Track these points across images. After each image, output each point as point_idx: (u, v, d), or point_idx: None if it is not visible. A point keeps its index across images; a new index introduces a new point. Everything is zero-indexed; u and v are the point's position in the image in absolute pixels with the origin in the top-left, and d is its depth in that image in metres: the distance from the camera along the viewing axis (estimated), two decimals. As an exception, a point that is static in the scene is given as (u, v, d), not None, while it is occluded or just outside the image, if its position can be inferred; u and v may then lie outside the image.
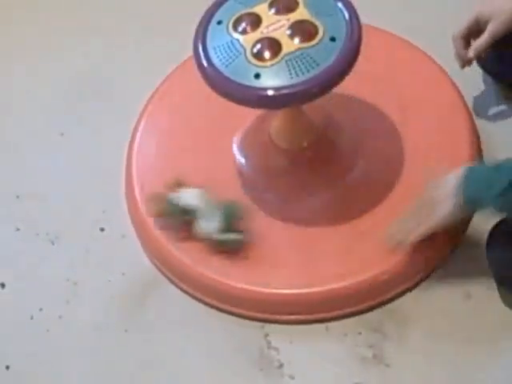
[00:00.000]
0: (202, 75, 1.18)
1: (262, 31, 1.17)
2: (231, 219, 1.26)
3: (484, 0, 1.29)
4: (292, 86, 1.13)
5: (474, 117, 1.39)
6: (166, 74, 1.49)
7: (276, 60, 1.14)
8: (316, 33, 1.15)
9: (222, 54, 1.16)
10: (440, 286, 1.27)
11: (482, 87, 1.44)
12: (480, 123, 1.39)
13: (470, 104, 1.40)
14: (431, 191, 1.19)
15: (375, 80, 1.39)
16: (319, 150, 1.34)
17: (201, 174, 1.37)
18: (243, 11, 1.19)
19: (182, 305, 1.31)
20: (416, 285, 1.27)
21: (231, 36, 1.17)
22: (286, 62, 1.13)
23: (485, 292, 1.26)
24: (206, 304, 1.30)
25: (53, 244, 1.39)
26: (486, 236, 1.26)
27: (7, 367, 1.28)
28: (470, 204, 1.15)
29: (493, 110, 1.41)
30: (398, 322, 1.25)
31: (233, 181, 1.36)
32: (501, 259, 1.21)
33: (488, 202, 1.13)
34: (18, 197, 1.45)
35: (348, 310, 1.26)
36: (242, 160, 1.38)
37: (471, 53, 1.30)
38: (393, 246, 1.23)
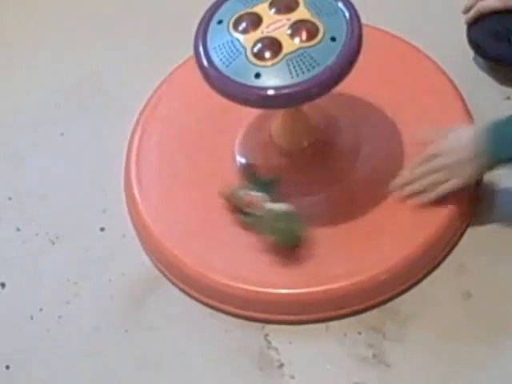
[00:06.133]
0: (203, 75, 1.18)
1: (263, 31, 1.17)
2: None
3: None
4: (292, 85, 1.13)
5: (474, 117, 1.39)
6: (166, 73, 1.49)
7: (276, 60, 1.14)
8: (316, 33, 1.15)
9: (222, 54, 1.16)
10: (440, 285, 1.27)
11: (482, 87, 1.45)
12: (480, 123, 1.39)
13: (470, 103, 1.40)
14: (442, 148, 1.23)
15: (375, 80, 1.40)
16: (319, 150, 1.34)
17: (201, 174, 1.37)
18: (243, 11, 1.19)
19: (182, 305, 1.31)
20: (416, 285, 1.27)
21: (231, 35, 1.17)
22: (287, 61, 1.14)
23: (485, 292, 1.26)
24: (206, 304, 1.30)
25: (53, 244, 1.39)
26: (486, 236, 1.27)
27: (7, 367, 1.28)
28: (497, 163, 1.20)
29: (492, 110, 1.41)
30: (398, 322, 1.25)
31: (233, 181, 1.36)
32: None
33: None
34: (17, 197, 1.45)
35: (348, 310, 1.26)
36: (242, 160, 1.38)
37: None
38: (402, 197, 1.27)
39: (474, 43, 1.43)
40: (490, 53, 1.43)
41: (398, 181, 1.28)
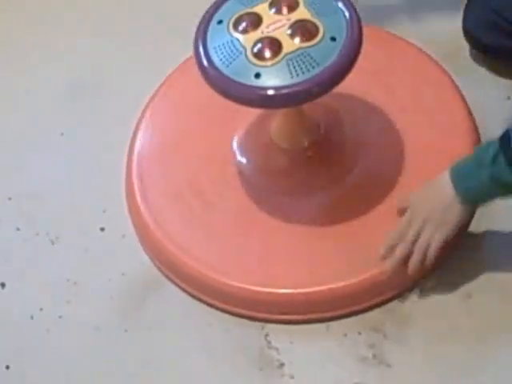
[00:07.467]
0: (203, 75, 1.18)
1: (263, 31, 1.17)
2: None
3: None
4: (292, 85, 1.13)
5: (474, 116, 1.39)
6: (166, 73, 1.49)
7: (276, 59, 1.14)
8: (316, 32, 1.15)
9: (222, 54, 1.16)
10: (440, 286, 1.27)
11: (482, 87, 1.45)
12: (480, 123, 1.39)
13: (470, 103, 1.40)
14: (424, 201, 1.21)
15: (375, 80, 1.40)
16: (320, 150, 1.34)
17: (201, 174, 1.37)
18: (243, 11, 1.19)
19: (182, 305, 1.31)
20: (416, 285, 1.27)
21: (231, 35, 1.17)
22: (287, 61, 1.14)
23: (485, 292, 1.26)
24: (206, 304, 1.30)
25: (53, 244, 1.39)
26: (486, 236, 1.26)
27: (7, 367, 1.28)
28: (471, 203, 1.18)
29: (493, 110, 1.42)
30: (398, 322, 1.25)
31: (233, 181, 1.36)
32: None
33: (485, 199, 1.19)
34: (18, 197, 1.45)
35: (348, 310, 1.26)
36: (242, 160, 1.38)
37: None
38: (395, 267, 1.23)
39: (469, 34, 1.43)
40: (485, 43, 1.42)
41: (388, 264, 1.23)
